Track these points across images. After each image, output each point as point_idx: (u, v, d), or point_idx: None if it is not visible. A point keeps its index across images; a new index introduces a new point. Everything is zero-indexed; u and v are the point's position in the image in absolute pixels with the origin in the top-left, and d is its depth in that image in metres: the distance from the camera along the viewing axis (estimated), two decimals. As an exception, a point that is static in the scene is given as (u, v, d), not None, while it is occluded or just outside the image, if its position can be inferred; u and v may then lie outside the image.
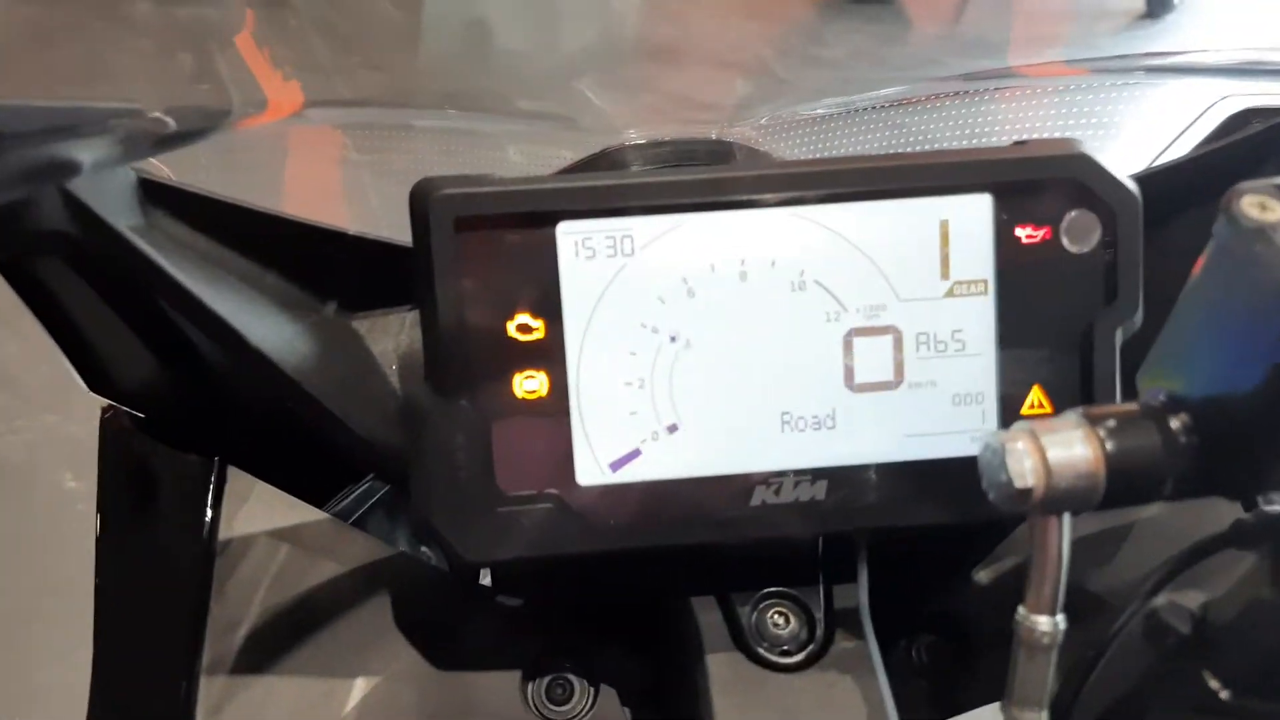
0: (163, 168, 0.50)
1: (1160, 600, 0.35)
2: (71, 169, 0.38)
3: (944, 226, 0.44)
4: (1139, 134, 0.69)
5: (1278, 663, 0.31)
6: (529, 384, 0.43)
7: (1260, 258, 0.30)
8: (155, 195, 0.46)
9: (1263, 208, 0.31)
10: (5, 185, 0.35)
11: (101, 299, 0.49)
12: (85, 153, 0.38)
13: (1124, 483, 0.32)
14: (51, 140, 0.36)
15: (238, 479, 0.58)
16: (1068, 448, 0.33)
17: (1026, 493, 0.33)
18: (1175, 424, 0.33)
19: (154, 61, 0.46)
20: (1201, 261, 0.33)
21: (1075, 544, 0.57)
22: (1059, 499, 0.33)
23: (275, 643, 0.54)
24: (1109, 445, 0.32)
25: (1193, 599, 0.34)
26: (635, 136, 0.66)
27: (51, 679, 1.62)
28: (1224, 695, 0.32)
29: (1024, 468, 0.33)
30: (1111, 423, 0.33)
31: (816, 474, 0.44)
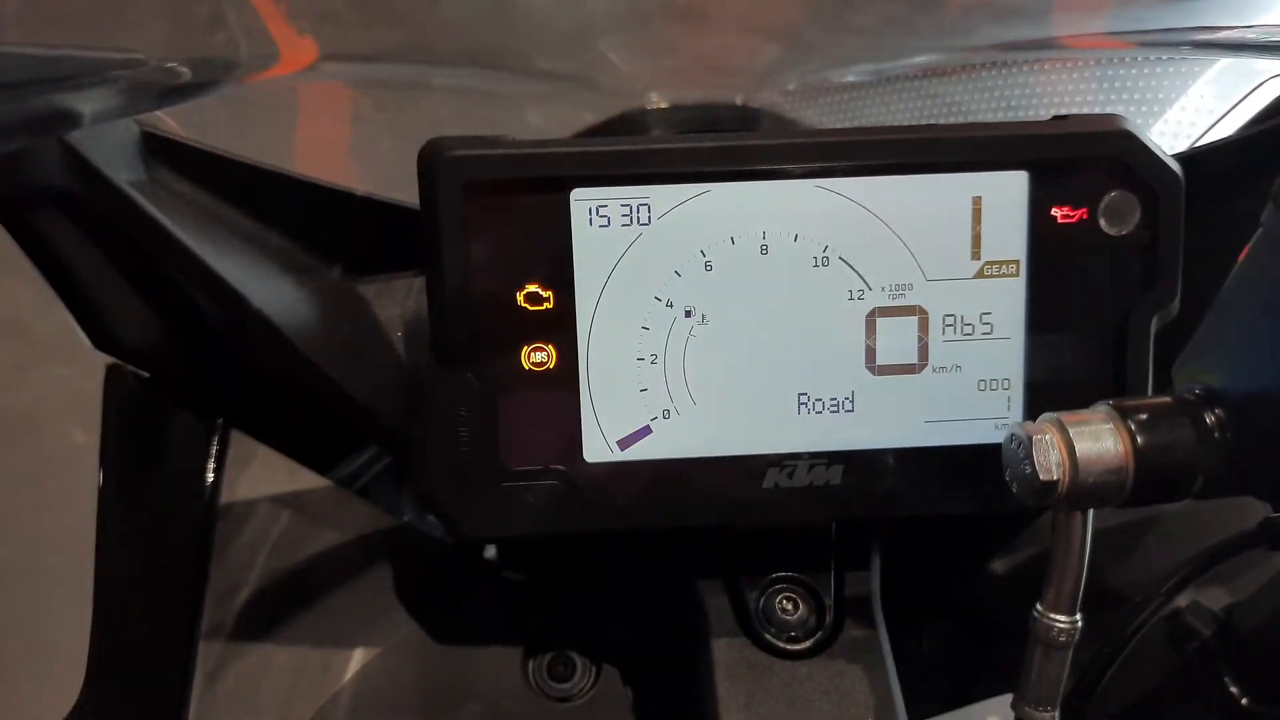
0: (169, 121, 0.49)
1: (1182, 600, 0.33)
2: (70, 120, 0.37)
3: (977, 204, 0.42)
4: (1184, 111, 0.66)
5: None
6: (537, 356, 0.42)
7: None
8: (159, 149, 0.44)
9: (1319, 194, 0.29)
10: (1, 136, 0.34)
11: (104, 255, 0.48)
12: (84, 104, 0.37)
13: (1153, 479, 0.31)
14: (49, 90, 0.35)
15: (241, 443, 0.57)
16: (1096, 441, 0.31)
17: (1051, 486, 0.31)
18: (1210, 419, 0.31)
19: (158, 5, 0.44)
20: (1248, 250, 0.31)
21: (1094, 535, 0.56)
22: (1084, 494, 0.31)
23: (275, 609, 0.54)
24: (1139, 439, 0.31)
25: (1216, 600, 0.33)
26: (657, 100, 0.64)
27: (56, 634, 1.64)
28: (1245, 702, 0.30)
29: (1049, 460, 0.31)
30: (1143, 416, 0.31)
31: (833, 458, 0.43)
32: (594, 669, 0.54)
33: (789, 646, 0.46)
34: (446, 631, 0.54)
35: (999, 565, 0.58)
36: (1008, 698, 0.38)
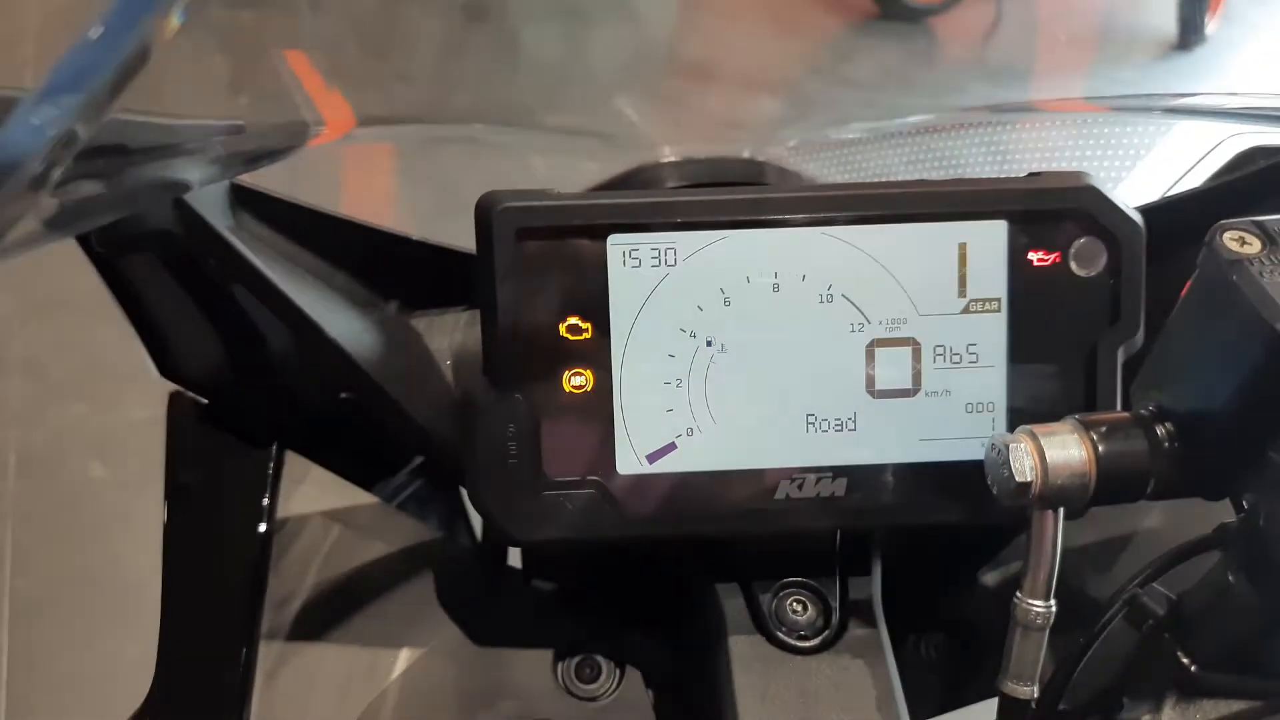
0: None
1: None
2: (184, 186, 0.43)
3: (962, 249, 0.47)
4: (1153, 167, 0.72)
5: (1240, 642, 0.35)
6: (576, 380, 0.47)
7: (1237, 287, 0.33)
8: (243, 199, 0.50)
9: (1242, 242, 0.34)
10: (131, 200, 0.40)
11: (186, 292, 0.54)
12: (195, 171, 0.43)
13: (1112, 482, 0.36)
14: (167, 156, 0.41)
15: (294, 463, 0.63)
16: (1063, 449, 0.36)
17: (1026, 487, 0.36)
18: (1161, 431, 0.36)
19: (245, 85, 0.50)
20: (1188, 287, 0.37)
21: (1076, 552, 0.61)
22: (1054, 495, 0.36)
23: (327, 614, 0.59)
24: (1100, 448, 0.36)
25: (1170, 588, 0.38)
26: (668, 154, 0.70)
27: (73, 668, 1.67)
28: (1195, 671, 0.35)
29: (1024, 466, 0.36)
30: (1103, 428, 0.37)
31: (837, 472, 0.48)
32: (618, 671, 0.59)
33: (799, 644, 0.51)
34: (482, 636, 0.59)
35: (989, 579, 0.63)
36: (993, 702, 0.42)
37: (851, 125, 0.89)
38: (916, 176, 0.89)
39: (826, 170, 0.91)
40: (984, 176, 0.49)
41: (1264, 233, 0.35)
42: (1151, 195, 0.60)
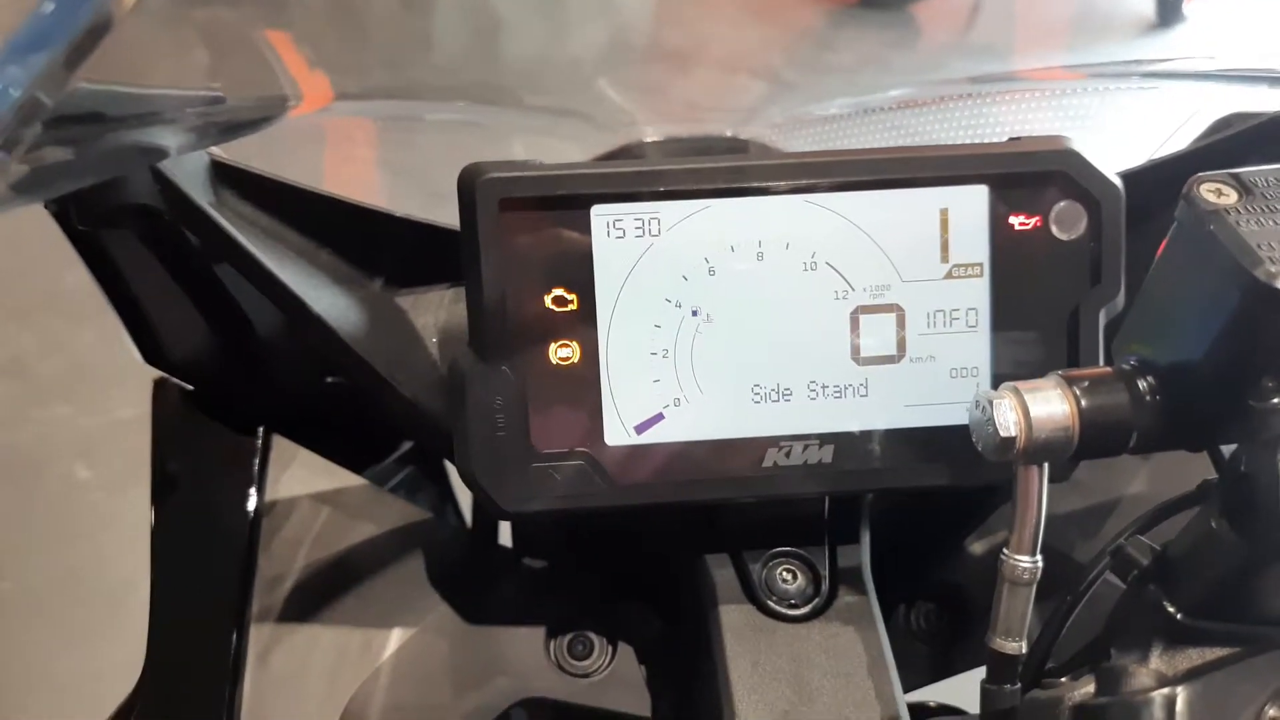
0: (221, 152, 0.55)
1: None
2: (159, 152, 0.43)
3: (944, 214, 0.48)
4: (1133, 133, 0.73)
5: (1223, 588, 0.35)
6: (563, 352, 0.47)
7: (1214, 236, 0.34)
8: (224, 175, 0.50)
9: (1218, 193, 0.35)
10: (104, 165, 0.40)
11: (168, 272, 0.54)
12: (170, 138, 0.43)
13: (1096, 435, 0.36)
14: (143, 124, 0.41)
15: (281, 446, 0.63)
16: (1047, 404, 0.37)
17: (1010, 442, 0.37)
18: (1143, 385, 0.37)
19: (226, 56, 0.50)
20: (1165, 241, 0.37)
21: (1063, 518, 0.62)
22: (1038, 449, 0.37)
23: (318, 596, 0.59)
24: (1083, 402, 0.37)
25: (1154, 538, 0.38)
26: (651, 134, 0.70)
27: (61, 668, 1.66)
28: (1180, 618, 0.36)
29: (1008, 421, 0.37)
30: (1086, 383, 0.37)
31: (824, 439, 0.48)
32: (610, 647, 0.59)
33: (789, 612, 0.51)
34: (474, 614, 0.59)
35: (977, 547, 0.63)
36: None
37: (834, 101, 0.89)
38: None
39: (811, 146, 0.91)
40: (966, 143, 0.50)
41: (1240, 184, 0.35)
42: (1133, 161, 0.60)
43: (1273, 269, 0.32)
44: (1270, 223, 0.34)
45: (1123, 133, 0.72)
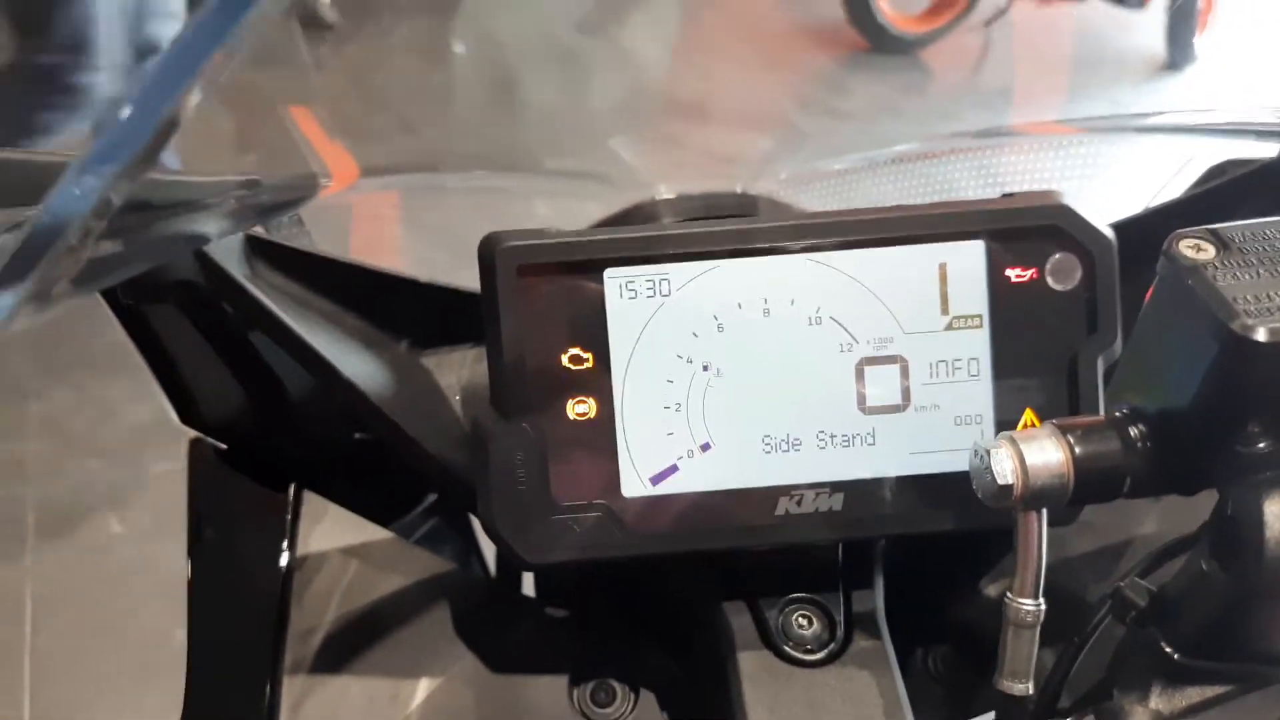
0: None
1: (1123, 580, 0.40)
2: (203, 239, 0.46)
3: (943, 268, 0.50)
4: (1132, 182, 0.75)
5: (1216, 628, 0.36)
6: (580, 408, 0.49)
7: (1193, 291, 0.36)
8: (257, 248, 0.53)
9: (1197, 249, 0.37)
10: (152, 253, 0.43)
11: (205, 340, 0.57)
12: (213, 224, 0.46)
13: (1090, 482, 0.38)
14: (188, 211, 0.44)
15: (312, 502, 0.65)
16: (1042, 452, 0.38)
17: (1008, 489, 0.38)
18: (1134, 432, 0.38)
19: (233, 135, 0.53)
20: (1150, 294, 0.39)
21: (1076, 559, 0.63)
22: (1036, 496, 0.38)
23: (348, 647, 0.60)
24: (1077, 450, 0.38)
25: (1152, 580, 0.40)
26: (664, 191, 0.73)
27: (96, 720, 1.68)
28: (1177, 658, 0.37)
29: (1005, 469, 0.38)
30: (1079, 432, 0.39)
31: (834, 487, 0.50)
32: (633, 695, 0.61)
33: (805, 657, 0.52)
34: (499, 663, 0.61)
35: (991, 589, 0.64)
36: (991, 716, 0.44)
37: (842, 157, 0.91)
38: (910, 201, 0.92)
39: (820, 200, 0.94)
40: (963, 199, 0.52)
41: (1218, 239, 0.37)
42: (1131, 209, 0.62)
43: (1248, 321, 0.34)
44: (1246, 276, 0.36)
45: (1121, 178, 0.75)
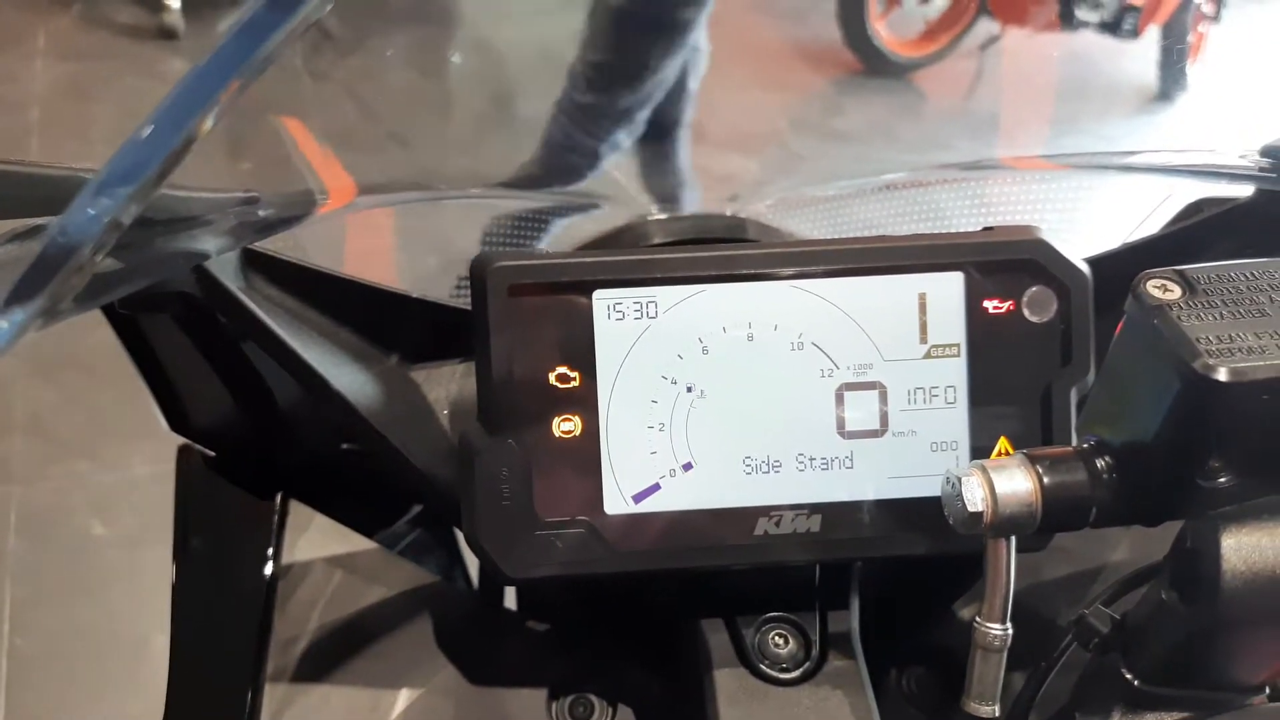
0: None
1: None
2: (202, 255, 0.47)
3: (922, 298, 0.51)
4: (1112, 217, 0.76)
5: (1175, 656, 0.37)
6: (565, 425, 0.50)
7: (1158, 330, 0.37)
8: (253, 261, 0.54)
9: (1164, 289, 0.38)
10: (152, 270, 0.43)
11: (198, 350, 0.57)
12: (212, 241, 0.46)
13: (1057, 511, 0.39)
14: (188, 228, 0.44)
15: (298, 511, 0.66)
16: (1011, 481, 0.40)
17: (978, 517, 0.39)
18: (1101, 464, 0.40)
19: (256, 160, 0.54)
20: (1118, 331, 0.40)
21: (1049, 584, 0.64)
22: (1004, 524, 0.40)
23: (330, 657, 0.61)
24: (1045, 480, 0.39)
25: (1117, 608, 0.41)
26: (655, 212, 0.74)
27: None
28: (1137, 685, 0.38)
29: (975, 497, 0.40)
30: (1048, 462, 0.40)
31: (812, 509, 0.51)
32: (611, 710, 0.61)
33: (781, 675, 0.53)
34: (479, 675, 0.61)
35: (965, 612, 0.65)
36: None
37: (831, 184, 0.93)
38: (898, 227, 0.93)
39: (809, 224, 0.96)
40: (943, 231, 0.53)
41: (1184, 280, 0.39)
42: (1110, 244, 0.64)
43: (1210, 361, 0.35)
44: (1210, 317, 0.37)
45: (1101, 213, 0.76)
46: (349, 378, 0.53)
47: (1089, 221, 0.77)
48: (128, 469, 1.98)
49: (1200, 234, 0.61)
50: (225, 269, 0.50)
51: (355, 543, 0.66)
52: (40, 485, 2.09)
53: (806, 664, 0.54)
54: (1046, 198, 0.80)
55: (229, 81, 0.27)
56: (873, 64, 3.56)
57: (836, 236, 0.52)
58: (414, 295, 0.58)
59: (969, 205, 0.86)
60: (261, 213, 0.50)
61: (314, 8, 0.27)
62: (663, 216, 0.73)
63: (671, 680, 0.61)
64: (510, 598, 0.68)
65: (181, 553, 0.63)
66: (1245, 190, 0.62)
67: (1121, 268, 0.57)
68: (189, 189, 0.43)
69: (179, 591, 0.62)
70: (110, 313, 0.53)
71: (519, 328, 0.49)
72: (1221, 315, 0.37)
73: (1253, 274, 0.39)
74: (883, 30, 3.49)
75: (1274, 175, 0.57)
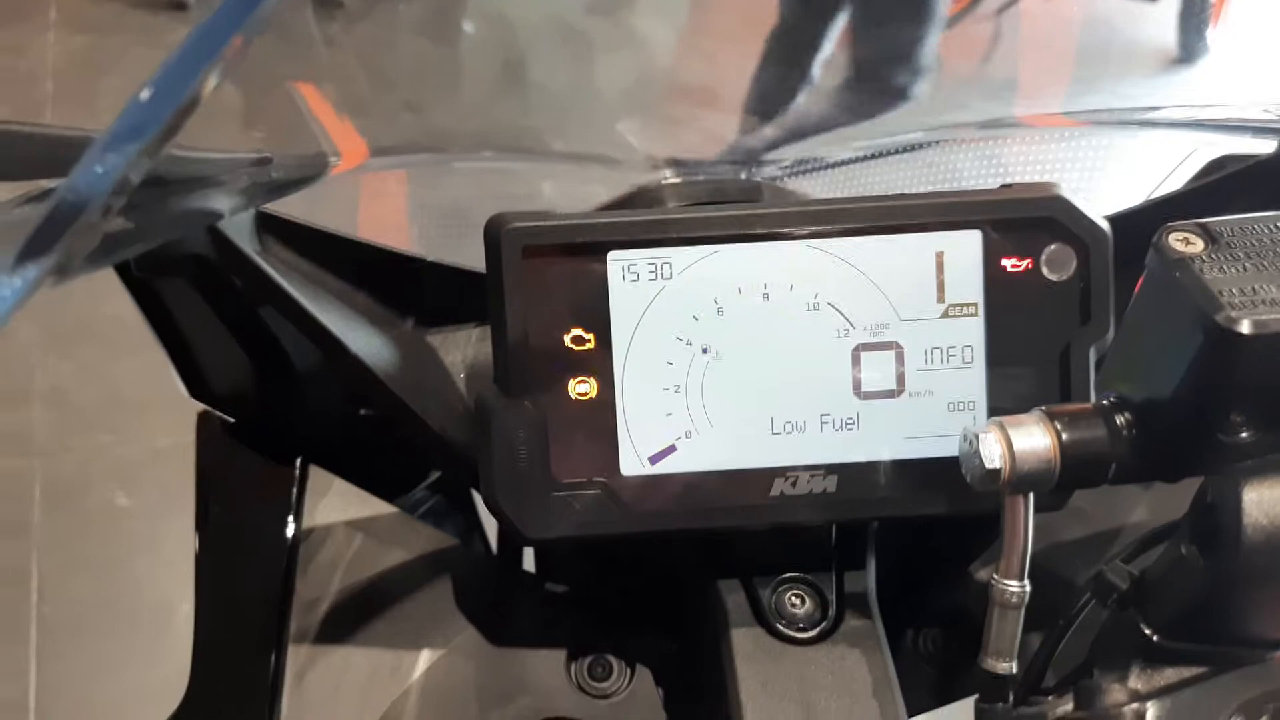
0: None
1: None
2: (215, 215, 0.47)
3: (939, 257, 0.51)
4: (1134, 174, 0.75)
5: (1194, 611, 0.37)
6: (581, 387, 0.50)
7: (1180, 283, 0.36)
8: (268, 226, 0.54)
9: (1186, 242, 0.38)
10: (166, 229, 0.44)
11: (215, 314, 0.58)
12: (225, 200, 0.47)
13: (1076, 467, 0.39)
14: (201, 187, 0.45)
15: (317, 475, 0.66)
16: (1029, 438, 0.39)
17: (995, 474, 0.39)
18: (1120, 420, 0.39)
19: (269, 120, 0.54)
20: (1138, 287, 0.40)
21: (1068, 545, 0.64)
22: (1022, 480, 0.39)
23: (352, 618, 0.62)
24: (1064, 436, 0.39)
25: (1135, 566, 0.41)
26: (670, 176, 0.74)
27: (104, 689, 1.70)
28: (1156, 640, 0.38)
29: (994, 454, 0.39)
30: (1067, 418, 0.40)
31: (829, 469, 0.51)
32: (629, 669, 0.62)
33: (798, 635, 0.53)
34: (499, 636, 0.62)
35: (981, 574, 0.65)
36: (970, 700, 0.45)
37: (846, 145, 0.92)
38: (913, 190, 0.92)
39: (823, 188, 0.95)
40: (961, 189, 0.52)
41: (1206, 233, 0.38)
42: (1132, 201, 0.63)
43: (1233, 314, 0.35)
44: (1233, 270, 0.37)
45: (1123, 170, 0.75)
46: (365, 341, 0.53)
47: (1110, 180, 0.76)
48: (149, 441, 2.00)
49: (1223, 189, 0.61)
50: (240, 232, 0.50)
51: (375, 507, 0.66)
52: (63, 458, 2.12)
53: (823, 624, 0.54)
54: (1067, 157, 0.79)
55: (232, 38, 0.27)
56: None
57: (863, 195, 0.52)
58: (429, 259, 0.58)
59: (988, 167, 0.85)
60: (274, 174, 0.50)
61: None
62: (677, 180, 0.72)
63: (689, 641, 0.61)
64: (529, 560, 0.69)
65: (203, 518, 0.64)
66: (1269, 145, 0.61)
67: (1143, 224, 0.56)
68: (201, 150, 0.43)
69: (202, 557, 0.62)
70: (127, 277, 0.53)
71: (534, 290, 0.49)
72: (1244, 268, 0.37)
73: (1276, 226, 0.39)
74: (899, -6, 3.44)
75: (1299, 129, 0.56)
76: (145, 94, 0.26)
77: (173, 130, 0.27)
